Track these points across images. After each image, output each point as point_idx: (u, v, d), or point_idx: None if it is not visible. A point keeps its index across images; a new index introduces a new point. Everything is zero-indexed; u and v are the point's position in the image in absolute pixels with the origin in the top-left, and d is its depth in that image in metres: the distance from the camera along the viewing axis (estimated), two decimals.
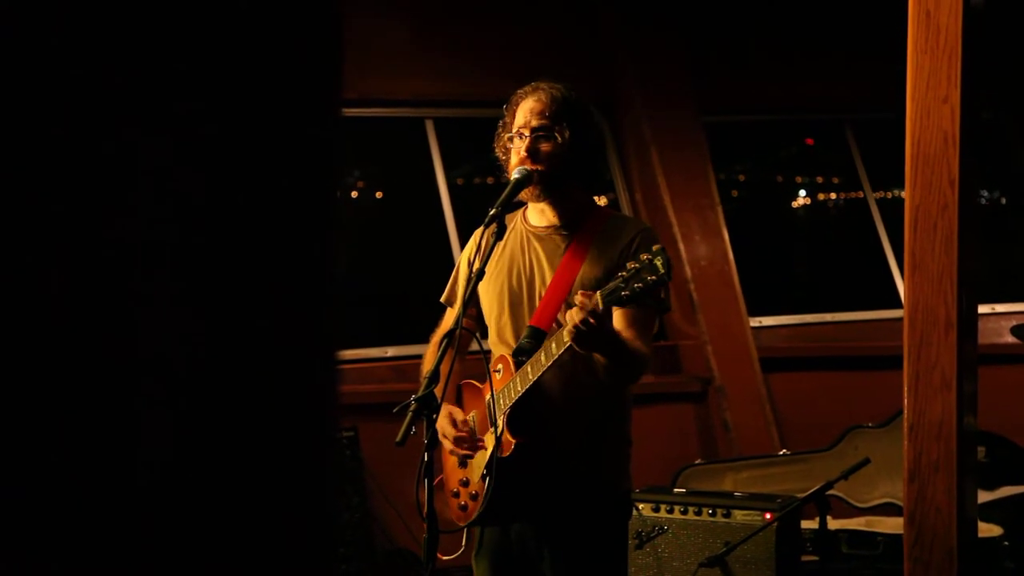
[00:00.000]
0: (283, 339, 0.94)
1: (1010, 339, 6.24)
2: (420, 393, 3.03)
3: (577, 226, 3.35)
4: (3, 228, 0.85)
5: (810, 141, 8.26)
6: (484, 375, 3.42)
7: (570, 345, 3.06)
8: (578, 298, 3.03)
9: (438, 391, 3.06)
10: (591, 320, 2.99)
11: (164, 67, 0.89)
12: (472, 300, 3.45)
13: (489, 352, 3.41)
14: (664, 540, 4.59)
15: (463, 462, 3.39)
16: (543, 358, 3.14)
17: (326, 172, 0.96)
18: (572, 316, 3.01)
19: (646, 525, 4.62)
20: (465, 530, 3.37)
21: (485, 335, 3.47)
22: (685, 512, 4.59)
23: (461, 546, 3.39)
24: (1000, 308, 8.00)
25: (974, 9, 3.33)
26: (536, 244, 3.37)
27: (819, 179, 8.81)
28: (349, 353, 6.39)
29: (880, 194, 8.28)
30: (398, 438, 2.97)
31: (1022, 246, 8.84)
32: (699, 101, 7.52)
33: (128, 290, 0.88)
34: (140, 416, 0.89)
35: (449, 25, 7.04)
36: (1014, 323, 6.44)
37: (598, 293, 3.03)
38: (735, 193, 8.41)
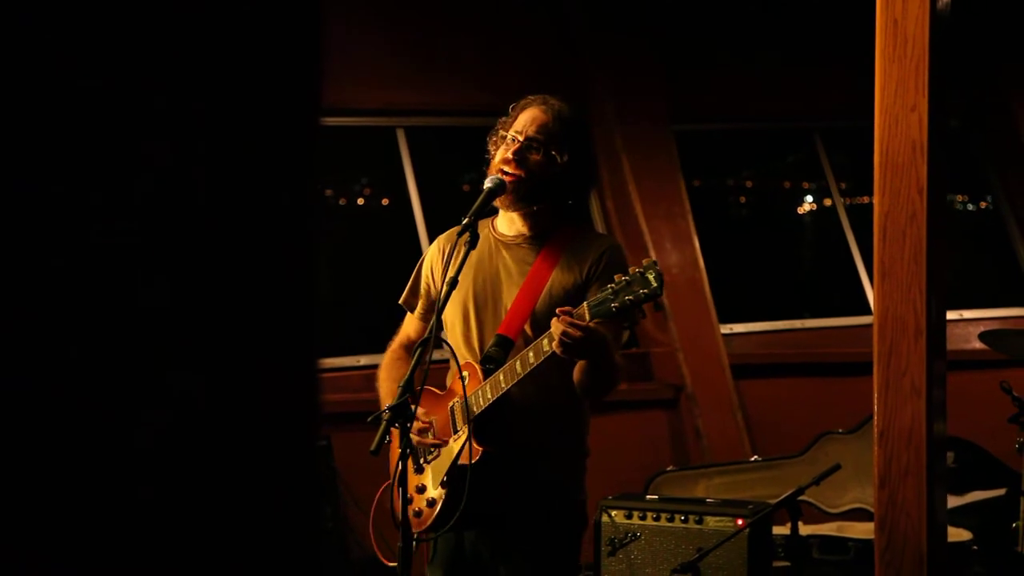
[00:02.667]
0: (266, 348, 0.95)
1: (978, 345, 6.28)
2: (394, 402, 3.03)
3: (546, 238, 3.35)
4: (2, 227, 0.85)
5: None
6: (442, 383, 3.41)
7: (549, 355, 3.06)
8: (562, 310, 3.02)
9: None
10: (576, 332, 2.99)
11: (147, 73, 0.90)
12: (434, 305, 3.45)
13: (449, 359, 3.40)
14: (637, 547, 4.60)
15: (419, 468, 3.36)
16: (519, 367, 3.14)
17: (305, 182, 0.96)
18: (557, 326, 3.01)
19: (619, 532, 4.63)
20: (417, 535, 3.35)
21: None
22: (657, 519, 4.60)
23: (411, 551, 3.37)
24: (968, 314, 8.06)
25: (941, 18, 3.36)
26: (504, 252, 3.36)
27: (787, 184, 8.87)
28: (322, 362, 6.37)
29: (848, 200, 8.33)
30: (372, 447, 2.97)
31: (989, 252, 8.91)
32: (670, 110, 7.55)
33: (118, 296, 0.89)
34: (135, 423, 0.89)
35: (421, 34, 7.04)
36: (982, 329, 6.49)
37: (585, 304, 3.03)
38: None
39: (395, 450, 3.37)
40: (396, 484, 3.06)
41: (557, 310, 3.04)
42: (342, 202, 7.44)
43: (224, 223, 0.92)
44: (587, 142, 3.42)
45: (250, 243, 0.93)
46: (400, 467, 3.03)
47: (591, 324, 3.01)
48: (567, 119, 3.34)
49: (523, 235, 3.37)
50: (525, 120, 3.33)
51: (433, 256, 3.49)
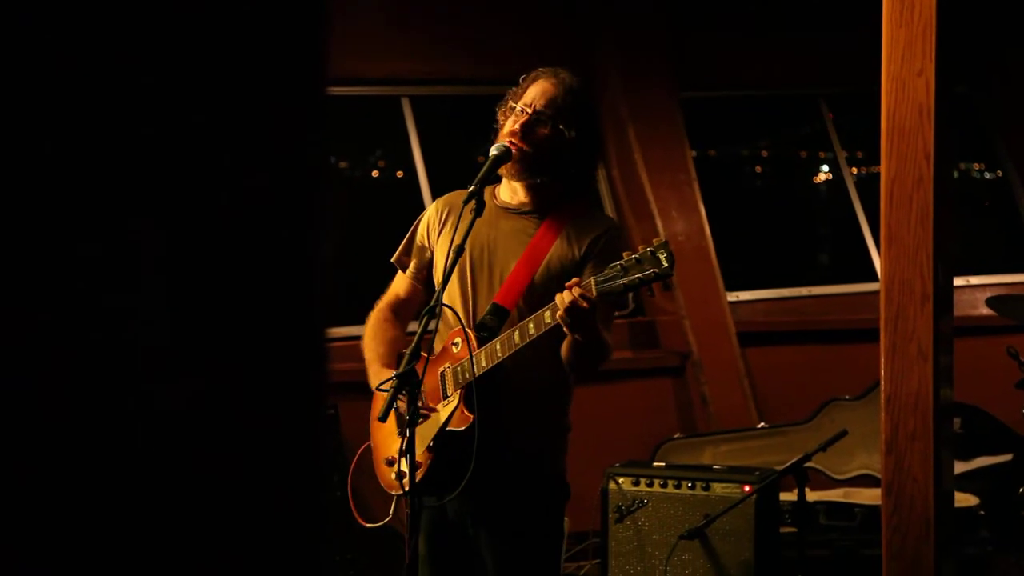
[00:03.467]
0: (274, 323, 0.95)
1: (986, 311, 6.28)
2: (401, 369, 3.03)
3: (548, 211, 3.33)
4: (3, 230, 0.85)
5: (831, 115, 8.26)
6: (429, 346, 3.40)
7: (551, 327, 3.05)
8: (571, 282, 3.01)
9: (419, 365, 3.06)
10: (582, 306, 2.98)
11: (148, 49, 0.89)
12: (428, 266, 3.45)
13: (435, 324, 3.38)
14: (644, 514, 4.62)
15: (402, 431, 3.36)
16: (517, 338, 3.13)
17: (311, 155, 0.96)
18: (563, 299, 3.00)
19: (626, 499, 4.64)
20: (395, 498, 3.35)
21: (427, 302, 3.45)
22: (664, 486, 4.62)
23: (389, 514, 3.38)
24: (975, 280, 8.05)
25: None
26: (504, 221, 3.35)
27: (803, 154, 8.85)
28: (329, 332, 6.37)
29: (856, 170, 8.31)
30: (380, 414, 2.97)
31: (996, 218, 8.89)
32: (676, 78, 7.52)
33: (119, 275, 0.88)
34: (135, 405, 0.89)
35: (425, 3, 7.02)
36: (989, 295, 6.48)
37: (592, 280, 3.01)
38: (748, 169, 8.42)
39: (373, 416, 3.38)
40: (403, 451, 3.07)
41: (567, 283, 3.03)
42: (353, 174, 7.45)
43: (228, 196, 0.92)
44: (595, 118, 3.41)
45: (254, 213, 0.93)
46: (408, 435, 3.04)
47: (593, 295, 3.00)
48: (577, 94, 3.32)
49: (524, 205, 3.36)
50: (535, 92, 3.31)
51: (430, 217, 3.48)
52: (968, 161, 8.92)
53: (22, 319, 0.86)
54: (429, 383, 3.30)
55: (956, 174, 8.76)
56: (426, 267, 3.46)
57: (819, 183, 8.62)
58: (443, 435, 3.21)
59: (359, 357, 6.27)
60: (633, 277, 2.96)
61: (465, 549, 3.32)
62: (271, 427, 0.95)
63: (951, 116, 3.40)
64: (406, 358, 3.05)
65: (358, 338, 6.44)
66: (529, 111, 3.27)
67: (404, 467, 3.30)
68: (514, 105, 3.32)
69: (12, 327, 0.86)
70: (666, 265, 2.94)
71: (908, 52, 3.34)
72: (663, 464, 4.89)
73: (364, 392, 3.53)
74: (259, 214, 0.93)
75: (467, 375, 3.20)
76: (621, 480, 4.67)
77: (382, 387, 3.14)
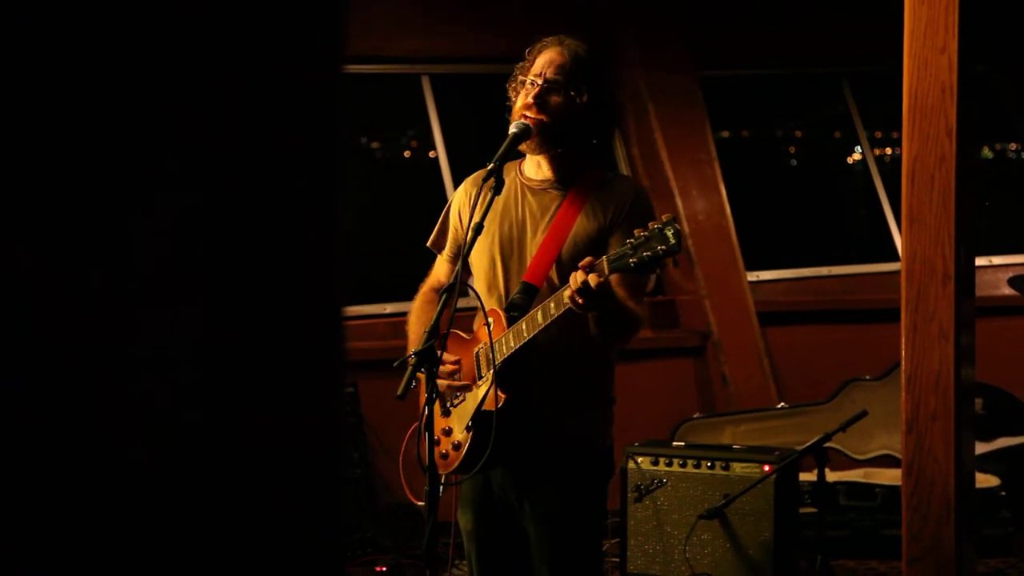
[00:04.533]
0: (291, 305, 0.95)
1: (1007, 291, 6.25)
2: (420, 347, 3.04)
3: (572, 182, 3.33)
4: (5, 228, 0.85)
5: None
6: (469, 326, 3.41)
7: (569, 307, 3.05)
8: (584, 263, 3.01)
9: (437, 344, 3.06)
10: (594, 286, 2.98)
11: (171, 45, 0.89)
12: (454, 249, 3.45)
13: (474, 305, 3.40)
14: (663, 493, 4.62)
15: (446, 411, 3.38)
16: (540, 317, 3.13)
17: (330, 132, 0.96)
18: (575, 279, 3.00)
19: (645, 478, 4.64)
20: (444, 478, 3.37)
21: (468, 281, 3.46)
22: (684, 465, 4.61)
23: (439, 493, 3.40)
24: (997, 260, 8.00)
25: None
26: (530, 197, 3.35)
27: (837, 134, 8.81)
28: (348, 310, 6.39)
29: (879, 151, 8.27)
30: (399, 391, 2.97)
31: (1020, 198, 8.83)
32: (696, 57, 7.49)
33: (137, 272, 0.88)
34: (152, 381, 0.89)
35: None
36: (1011, 275, 6.45)
37: (604, 259, 3.01)
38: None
39: (423, 394, 3.39)
40: (423, 428, 3.07)
41: (579, 263, 3.03)
42: (384, 154, 7.44)
43: (246, 178, 0.92)
44: (606, 80, 3.40)
45: (272, 192, 0.93)
46: (426, 412, 3.04)
47: (609, 278, 3.00)
48: (584, 58, 3.32)
49: (549, 179, 3.36)
50: (542, 63, 3.31)
51: (460, 199, 3.49)
52: (1004, 141, 8.86)
53: (24, 319, 0.86)
54: (466, 363, 3.33)
55: (991, 155, 8.72)
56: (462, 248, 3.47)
57: (852, 163, 8.56)
58: (479, 415, 3.23)
59: (378, 335, 6.31)
60: (643, 255, 2.96)
61: (511, 523, 3.34)
62: (289, 406, 0.95)
63: (974, 94, 3.38)
64: (425, 335, 3.05)
65: (378, 316, 6.48)
66: (539, 82, 3.27)
67: (447, 447, 3.32)
68: (524, 79, 3.32)
69: (12, 326, 0.86)
70: (673, 242, 2.93)
71: (930, 29, 3.31)
72: (682, 443, 4.88)
73: (384, 370, 3.53)
74: (277, 193, 0.93)
75: (499, 355, 3.21)
76: (640, 459, 4.67)
77: (401, 364, 3.15)
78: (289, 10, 0.93)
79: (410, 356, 3.05)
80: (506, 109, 3.37)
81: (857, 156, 8.42)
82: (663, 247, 2.93)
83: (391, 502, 6.04)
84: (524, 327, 3.17)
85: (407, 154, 7.46)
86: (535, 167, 3.37)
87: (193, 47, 0.90)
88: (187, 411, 0.90)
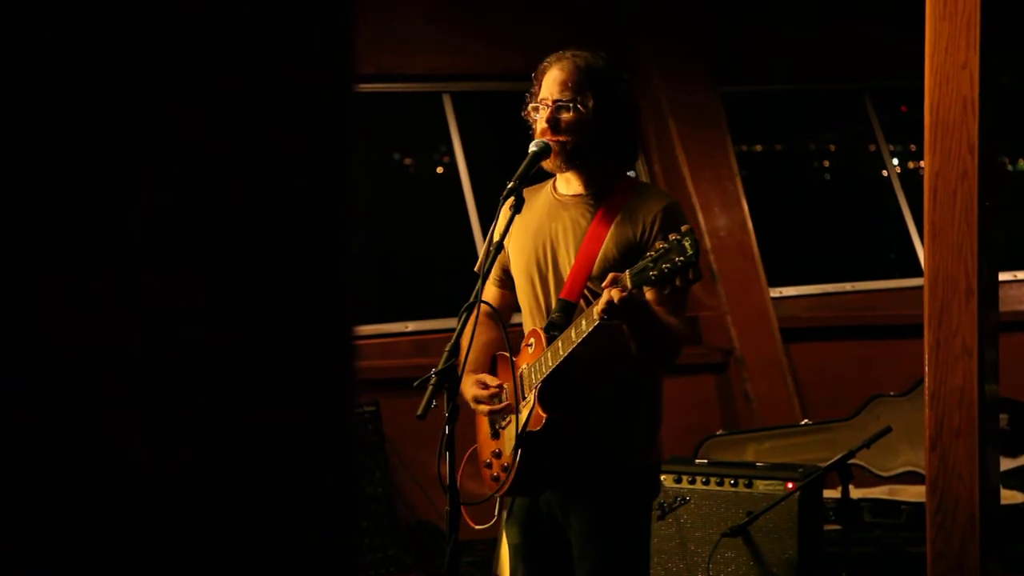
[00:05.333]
0: (299, 320, 0.94)
1: None
2: (440, 366, 3.04)
3: (604, 195, 3.33)
4: (7, 224, 0.85)
5: (904, 108, 8.18)
6: (517, 347, 3.43)
7: (599, 324, 3.06)
8: (608, 278, 3.02)
9: (469, 360, 3.08)
10: (619, 301, 2.98)
11: (171, 43, 0.89)
12: (499, 272, 3.47)
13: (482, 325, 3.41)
14: (686, 510, 4.60)
15: (496, 433, 3.40)
16: (573, 335, 3.14)
17: (339, 149, 0.96)
18: (602, 296, 3.02)
19: (668, 496, 4.63)
20: (498, 500, 3.39)
21: (515, 304, 3.49)
22: (707, 483, 4.60)
23: (494, 516, 3.42)
24: (1022, 275, 7.96)
25: None
26: (563, 213, 3.36)
27: (872, 148, 8.78)
28: (370, 328, 6.41)
29: (901, 168, 8.24)
30: (419, 411, 2.97)
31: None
32: (717, 72, 7.48)
33: (137, 274, 0.88)
34: (152, 381, 0.89)
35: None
36: None
37: (627, 273, 3.02)
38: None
39: (481, 419, 3.42)
40: (443, 448, 3.08)
41: (609, 276, 3.04)
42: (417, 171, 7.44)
43: (245, 177, 0.92)
44: (614, 83, 3.39)
45: (280, 210, 0.93)
46: (448, 430, 3.04)
47: (633, 291, 3.01)
48: (583, 67, 3.33)
49: (580, 194, 3.36)
50: (547, 85, 3.33)
51: (502, 222, 3.50)
52: (1007, 155, 8.81)
53: (30, 317, 0.86)
54: (510, 386, 3.34)
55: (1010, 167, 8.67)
56: (507, 271, 3.48)
57: (886, 177, 8.52)
58: (524, 436, 3.23)
59: (400, 353, 6.31)
60: (662, 267, 2.97)
61: (558, 538, 3.35)
62: (300, 424, 0.95)
63: (996, 109, 3.36)
64: (445, 355, 3.06)
65: (399, 335, 6.48)
66: (548, 103, 3.29)
67: (497, 470, 3.34)
68: (535, 105, 3.34)
69: (15, 324, 0.86)
70: (690, 252, 2.94)
71: (952, 45, 3.30)
72: (705, 461, 4.87)
73: (406, 388, 3.53)
74: (284, 211, 0.93)
75: (537, 375, 3.23)
76: (663, 477, 4.65)
77: (421, 383, 3.15)
78: (292, 11, 0.93)
79: (431, 375, 3.05)
80: (530, 131, 3.39)
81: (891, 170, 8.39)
82: (681, 258, 2.94)
83: (412, 520, 6.04)
84: (560, 345, 3.17)
85: (440, 170, 7.48)
86: (565, 182, 3.39)
87: (192, 48, 0.90)
88: (187, 412, 0.90)
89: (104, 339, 0.87)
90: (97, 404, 0.87)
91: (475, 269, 3.57)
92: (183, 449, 0.89)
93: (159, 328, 0.89)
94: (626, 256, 3.22)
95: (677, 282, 3.03)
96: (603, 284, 3.03)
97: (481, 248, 3.61)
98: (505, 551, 3.50)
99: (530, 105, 3.36)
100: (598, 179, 3.33)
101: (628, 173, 3.48)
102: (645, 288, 3.06)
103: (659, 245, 3.00)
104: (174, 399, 0.89)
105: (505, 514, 3.46)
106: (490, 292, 3.54)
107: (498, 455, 3.37)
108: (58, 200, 0.86)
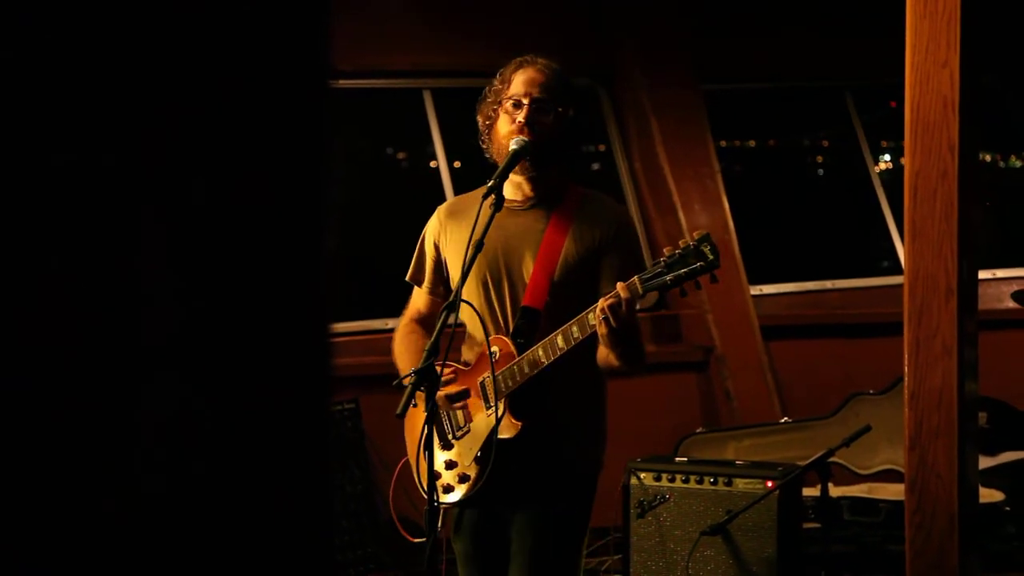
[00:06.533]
0: (276, 318, 0.94)
1: (1011, 304, 6.23)
2: (420, 365, 3.02)
3: (554, 202, 3.32)
4: (5, 227, 0.84)
5: (893, 104, 8.19)
6: (458, 354, 3.40)
7: (593, 330, 3.04)
8: (621, 286, 3.01)
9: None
10: (624, 308, 2.98)
11: (151, 51, 0.88)
12: (444, 278, 3.44)
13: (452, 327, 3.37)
14: (666, 509, 4.60)
15: (447, 443, 3.36)
16: (561, 342, 3.11)
17: (315, 146, 0.95)
18: (609, 298, 3.00)
19: (648, 494, 4.62)
20: (442, 511, 3.34)
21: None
22: (687, 481, 4.60)
23: (438, 527, 3.38)
24: (1001, 273, 7.98)
25: None
26: (511, 221, 3.32)
27: (824, 143, 8.80)
28: (350, 326, 6.39)
29: (881, 167, 8.25)
30: (399, 410, 2.96)
31: (1022, 210, 8.81)
32: (699, 69, 7.48)
33: (126, 278, 0.87)
34: (141, 407, 0.88)
35: None
36: (1015, 288, 6.43)
37: (636, 278, 3.01)
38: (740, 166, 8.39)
39: (414, 426, 3.38)
40: (422, 447, 3.06)
41: (617, 285, 3.02)
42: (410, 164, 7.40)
43: (230, 192, 0.91)
44: (579, 95, 3.43)
45: (256, 207, 0.92)
46: (426, 431, 3.03)
47: (640, 294, 3.01)
48: (560, 74, 3.33)
49: (530, 199, 3.34)
50: (523, 83, 3.30)
51: (434, 229, 3.47)
52: (1011, 152, 8.84)
53: (28, 317, 0.85)
54: (471, 393, 3.30)
55: (1000, 163, 8.70)
56: (441, 280, 3.46)
57: (880, 172, 8.51)
58: (492, 445, 3.20)
59: (381, 350, 6.27)
60: (679, 272, 2.97)
61: (506, 539, 3.33)
62: (276, 422, 0.94)
63: (977, 108, 3.37)
64: (424, 354, 3.04)
65: (380, 332, 6.46)
66: (526, 101, 3.26)
67: (451, 480, 3.30)
68: (502, 100, 3.30)
69: (20, 325, 0.85)
70: (711, 258, 2.96)
71: (932, 44, 3.30)
72: (685, 459, 4.87)
73: (386, 385, 3.52)
74: (261, 208, 0.92)
75: (510, 383, 3.19)
76: (643, 475, 4.65)
77: (400, 383, 3.14)
78: (269, 15, 0.93)
79: (409, 374, 3.04)
80: (485, 129, 3.35)
81: (883, 166, 8.39)
82: (701, 263, 2.95)
83: (392, 518, 6.02)
84: (541, 352, 3.14)
85: (433, 164, 7.46)
86: (514, 188, 3.35)
87: (168, 48, 0.89)
88: (160, 408, 0.89)
89: (83, 337, 0.87)
90: (97, 404, 0.87)
91: (407, 279, 3.54)
92: (158, 446, 0.89)
93: (134, 325, 0.88)
94: (586, 262, 3.23)
95: (696, 286, 3.04)
96: (603, 300, 3.01)
97: (414, 257, 3.56)
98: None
99: (496, 99, 3.32)
100: (549, 186, 3.32)
101: None
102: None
103: (669, 251, 3.00)
104: (145, 396, 0.89)
105: (452, 526, 3.42)
106: (422, 299, 3.51)
107: (451, 466, 3.33)
108: (58, 200, 0.86)
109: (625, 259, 3.23)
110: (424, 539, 3.14)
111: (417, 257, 3.53)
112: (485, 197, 3.20)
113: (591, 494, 3.39)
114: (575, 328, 3.09)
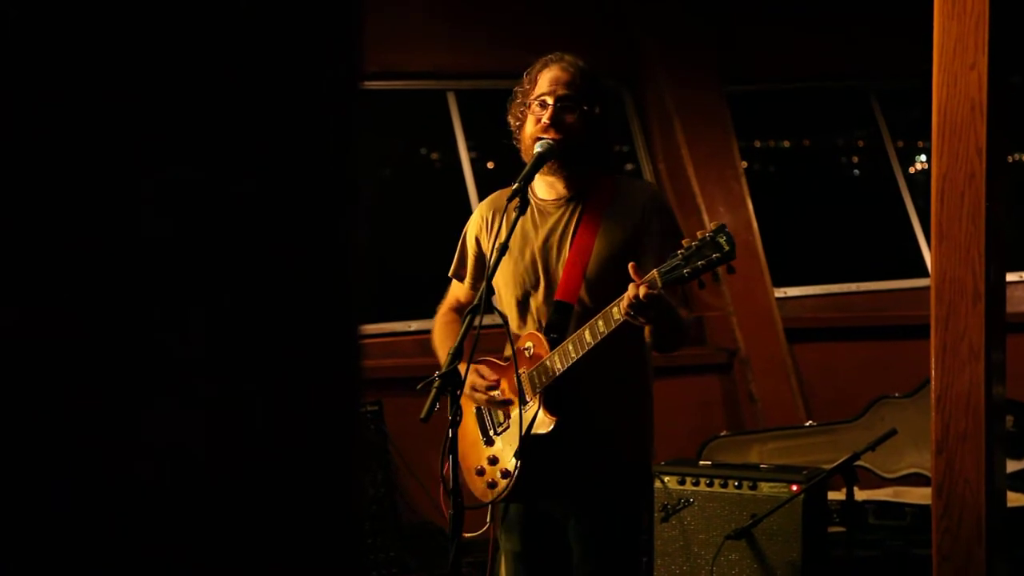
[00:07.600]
0: (303, 319, 0.93)
1: None
2: (444, 369, 3.02)
3: (586, 196, 3.33)
4: (15, 227, 0.84)
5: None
6: (499, 351, 3.40)
7: (620, 323, 3.05)
8: (639, 281, 3.01)
9: (462, 367, 3.05)
10: (646, 300, 2.97)
11: (177, 43, 0.88)
12: (482, 273, 3.45)
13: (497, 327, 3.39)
14: (690, 513, 4.58)
15: (489, 440, 3.38)
16: (588, 336, 3.12)
17: (346, 147, 0.95)
18: (628, 295, 3.00)
19: (672, 498, 4.61)
20: (490, 506, 3.37)
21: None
22: (711, 484, 4.58)
23: (486, 522, 3.39)
24: None
25: None
26: (547, 217, 3.34)
27: (900, 144, 8.74)
28: (373, 328, 6.39)
29: (917, 167, 8.20)
30: (423, 414, 2.96)
31: None
32: (722, 71, 7.46)
33: (145, 275, 0.87)
34: (162, 404, 0.88)
35: None
36: None
37: (655, 271, 3.01)
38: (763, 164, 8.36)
39: (465, 426, 3.39)
40: (447, 451, 3.06)
41: (633, 281, 3.02)
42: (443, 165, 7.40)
43: (258, 194, 0.91)
44: (605, 92, 3.43)
45: (286, 209, 0.91)
46: (451, 433, 3.03)
47: (659, 287, 3.01)
48: (586, 72, 3.33)
49: (563, 197, 3.35)
50: (548, 82, 3.30)
51: (476, 224, 3.48)
52: None
53: (35, 320, 0.85)
54: (507, 389, 3.32)
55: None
56: (483, 275, 3.47)
57: (914, 173, 8.45)
58: (528, 440, 3.21)
59: (405, 353, 6.29)
60: (696, 264, 2.97)
61: (558, 541, 3.34)
62: (306, 424, 0.94)
63: (1005, 110, 3.34)
64: (449, 357, 3.04)
65: (403, 334, 6.46)
66: (551, 101, 3.26)
67: (494, 476, 3.32)
68: (528, 101, 3.31)
69: (24, 328, 0.85)
70: (727, 248, 2.95)
71: (960, 45, 3.28)
72: (709, 462, 4.85)
73: (409, 388, 3.52)
74: (290, 209, 0.92)
75: (543, 378, 3.20)
76: (667, 479, 4.63)
77: (425, 386, 3.14)
78: (299, 10, 0.92)
79: (434, 378, 3.03)
80: (516, 130, 3.36)
81: (919, 167, 8.33)
82: (717, 254, 2.94)
83: (415, 521, 6.02)
84: (571, 348, 3.15)
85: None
86: (547, 187, 3.36)
87: (198, 46, 0.89)
88: (191, 410, 0.89)
89: (108, 333, 0.86)
90: (103, 398, 0.86)
91: (449, 274, 3.55)
92: (187, 447, 0.89)
93: (163, 325, 0.88)
94: (619, 253, 3.22)
95: (714, 279, 3.04)
96: (635, 283, 3.01)
97: (456, 252, 3.58)
98: (502, 558, 3.48)
99: (523, 100, 3.33)
100: (580, 182, 3.33)
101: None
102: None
103: (687, 242, 3.00)
104: (177, 398, 0.88)
105: (500, 520, 3.43)
106: (462, 290, 3.53)
107: (494, 461, 3.35)
108: (62, 198, 0.85)
109: (663, 239, 3.23)
110: (474, 534, 3.18)
111: (459, 252, 3.54)
112: (510, 200, 3.20)
113: (643, 485, 3.40)
114: (600, 322, 3.10)
